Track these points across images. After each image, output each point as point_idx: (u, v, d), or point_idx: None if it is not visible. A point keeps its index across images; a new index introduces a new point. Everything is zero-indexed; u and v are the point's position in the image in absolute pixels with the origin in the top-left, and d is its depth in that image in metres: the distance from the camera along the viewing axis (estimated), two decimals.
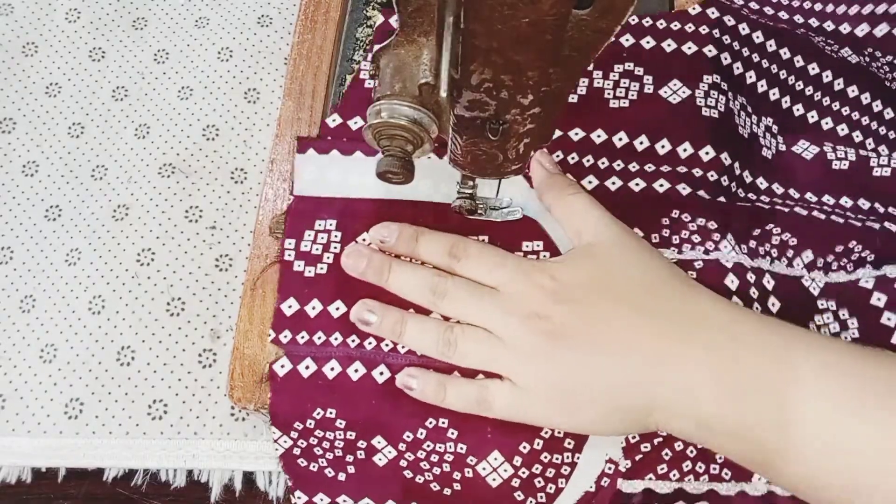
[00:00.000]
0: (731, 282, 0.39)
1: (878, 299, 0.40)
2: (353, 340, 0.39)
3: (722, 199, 0.41)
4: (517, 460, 0.37)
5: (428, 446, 0.37)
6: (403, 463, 0.38)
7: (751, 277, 0.39)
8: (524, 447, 0.37)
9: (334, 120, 0.43)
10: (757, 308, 0.39)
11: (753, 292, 0.39)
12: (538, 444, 0.37)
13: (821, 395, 0.32)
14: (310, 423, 0.38)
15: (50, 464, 0.40)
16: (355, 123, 0.43)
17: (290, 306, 0.39)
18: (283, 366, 0.38)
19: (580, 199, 0.39)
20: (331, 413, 0.38)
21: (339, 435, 0.38)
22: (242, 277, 0.43)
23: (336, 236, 0.40)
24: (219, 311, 0.42)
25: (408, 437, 0.38)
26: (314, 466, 0.38)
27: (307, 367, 0.38)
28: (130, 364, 0.41)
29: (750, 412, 0.32)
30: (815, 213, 0.41)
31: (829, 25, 0.46)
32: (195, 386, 0.41)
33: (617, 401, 0.34)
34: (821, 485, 0.32)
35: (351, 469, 0.38)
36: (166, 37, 0.50)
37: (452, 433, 0.37)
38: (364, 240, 0.40)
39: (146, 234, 0.44)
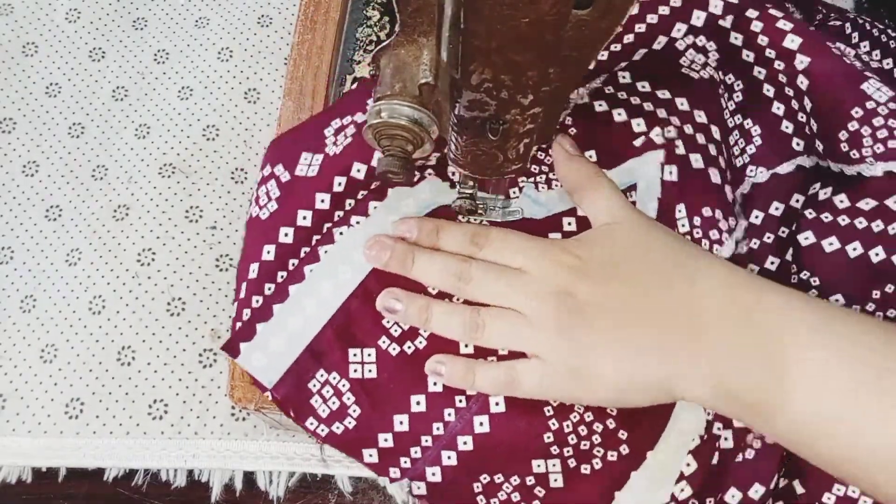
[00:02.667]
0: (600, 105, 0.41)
1: (725, 20, 0.42)
2: (438, 428, 0.38)
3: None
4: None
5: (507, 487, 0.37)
6: None
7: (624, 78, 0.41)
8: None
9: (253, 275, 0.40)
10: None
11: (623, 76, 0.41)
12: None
13: (816, 353, 0.33)
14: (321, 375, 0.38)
15: (50, 464, 0.40)
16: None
17: (371, 455, 0.38)
18: (419, 487, 0.37)
19: (601, 182, 0.39)
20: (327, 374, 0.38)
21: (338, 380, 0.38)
22: None
23: (334, 377, 0.38)
24: (219, 310, 0.42)
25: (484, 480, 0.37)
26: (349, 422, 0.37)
27: (434, 475, 0.37)
28: (131, 364, 0.41)
29: (752, 378, 0.33)
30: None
31: None
32: (195, 386, 0.41)
33: (633, 375, 0.35)
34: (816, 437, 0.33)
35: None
36: (166, 37, 0.50)
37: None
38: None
39: (146, 234, 0.44)
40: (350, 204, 0.41)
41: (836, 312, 0.35)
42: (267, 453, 0.40)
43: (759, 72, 0.41)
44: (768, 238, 0.40)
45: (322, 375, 0.38)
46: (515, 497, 0.37)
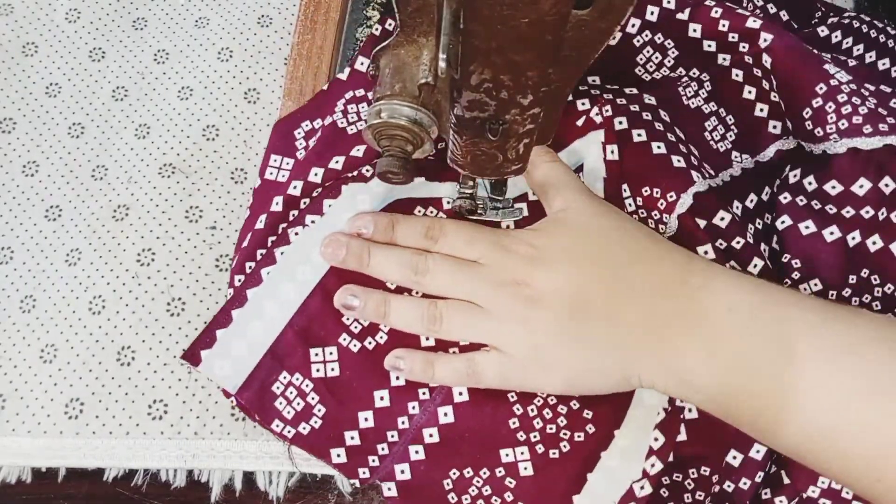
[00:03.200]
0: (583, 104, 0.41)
1: (684, 13, 0.42)
2: (403, 422, 0.38)
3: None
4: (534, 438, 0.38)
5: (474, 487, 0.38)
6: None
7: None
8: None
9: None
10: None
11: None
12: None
13: (815, 351, 0.32)
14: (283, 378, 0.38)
15: (50, 464, 0.40)
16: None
17: (339, 455, 0.38)
18: (389, 488, 0.38)
19: (555, 167, 0.40)
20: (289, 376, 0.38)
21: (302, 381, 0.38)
22: None
23: (297, 378, 0.39)
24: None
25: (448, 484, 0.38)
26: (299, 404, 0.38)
27: (402, 472, 0.38)
28: (130, 364, 0.41)
29: (751, 378, 0.33)
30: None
31: None
32: (195, 386, 0.41)
33: (590, 361, 0.36)
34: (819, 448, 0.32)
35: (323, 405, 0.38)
36: (166, 37, 0.50)
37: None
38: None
39: (146, 234, 0.44)
40: (305, 203, 0.41)
41: (834, 310, 0.34)
42: (267, 453, 0.40)
43: (724, 58, 0.41)
44: (758, 224, 0.40)
45: (285, 377, 0.38)
46: (487, 491, 0.37)
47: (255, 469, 0.40)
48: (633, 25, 0.43)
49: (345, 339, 0.39)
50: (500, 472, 0.37)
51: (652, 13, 0.42)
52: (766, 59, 0.40)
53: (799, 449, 0.33)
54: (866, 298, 0.39)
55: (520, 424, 0.38)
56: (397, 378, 0.38)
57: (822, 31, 0.45)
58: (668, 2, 0.42)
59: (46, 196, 0.45)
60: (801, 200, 0.40)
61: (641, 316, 0.35)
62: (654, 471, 0.36)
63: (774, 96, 0.41)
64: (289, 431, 0.38)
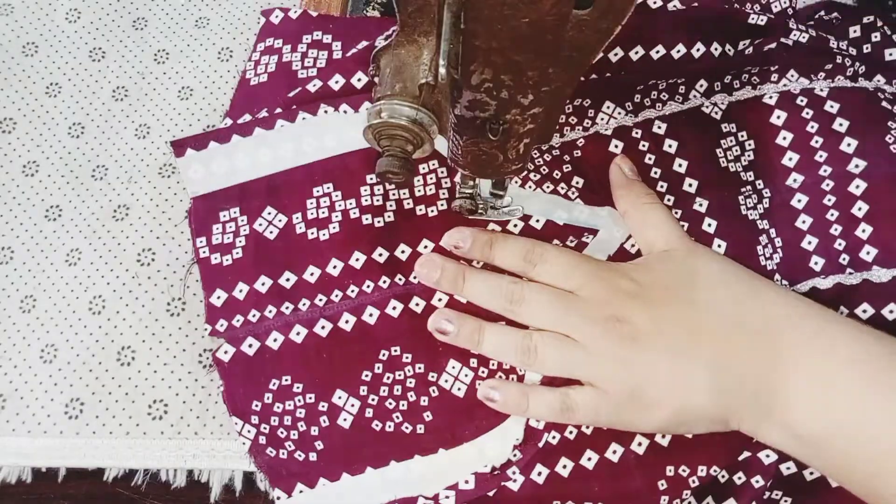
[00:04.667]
0: (616, 146, 0.41)
1: (778, 117, 0.41)
2: (286, 307, 0.40)
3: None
4: (473, 362, 0.38)
5: (388, 378, 0.38)
6: (369, 413, 0.38)
7: (636, 133, 0.41)
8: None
9: (225, 124, 0.44)
10: (651, 158, 0.41)
11: (643, 145, 0.41)
12: None
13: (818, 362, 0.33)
14: (268, 398, 0.38)
15: (50, 464, 0.40)
16: (244, 121, 0.44)
17: (218, 297, 0.40)
18: (226, 352, 0.39)
19: (657, 209, 0.39)
20: (286, 380, 0.38)
21: (300, 401, 0.38)
22: None
23: (242, 220, 0.42)
24: None
25: (366, 376, 0.38)
26: (283, 453, 0.38)
27: (250, 346, 0.39)
28: (130, 364, 0.41)
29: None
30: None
31: None
32: (195, 386, 0.41)
33: (684, 401, 0.35)
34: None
35: (319, 445, 0.38)
36: (166, 37, 0.50)
37: (407, 357, 0.39)
38: (330, 222, 0.41)
39: (146, 234, 0.44)
40: (338, 81, 0.44)
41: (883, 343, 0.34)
42: None
43: (795, 180, 0.40)
44: None
45: (235, 212, 0.42)
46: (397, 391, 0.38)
47: (255, 469, 0.40)
48: (724, 103, 0.42)
49: (297, 218, 0.41)
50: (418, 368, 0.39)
51: (743, 102, 0.41)
52: (859, 185, 0.39)
53: (800, 442, 0.33)
54: None
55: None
56: (334, 267, 0.40)
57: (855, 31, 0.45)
58: (770, 97, 0.41)
59: (46, 196, 0.45)
60: None
61: (746, 362, 0.34)
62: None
63: (835, 229, 0.39)
64: (204, 253, 0.41)
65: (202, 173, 0.42)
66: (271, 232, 0.41)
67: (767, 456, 0.37)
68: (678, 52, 0.42)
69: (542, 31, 0.25)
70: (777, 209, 0.40)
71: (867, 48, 0.43)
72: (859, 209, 0.38)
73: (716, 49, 0.42)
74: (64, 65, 0.49)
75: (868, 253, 0.38)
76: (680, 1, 0.42)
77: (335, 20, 0.47)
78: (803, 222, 0.39)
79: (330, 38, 0.46)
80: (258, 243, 0.41)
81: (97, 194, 0.45)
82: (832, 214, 0.39)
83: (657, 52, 0.42)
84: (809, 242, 0.39)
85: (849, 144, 0.39)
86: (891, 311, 0.37)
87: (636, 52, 0.42)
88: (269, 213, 0.41)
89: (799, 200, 0.40)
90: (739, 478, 0.37)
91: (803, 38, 0.41)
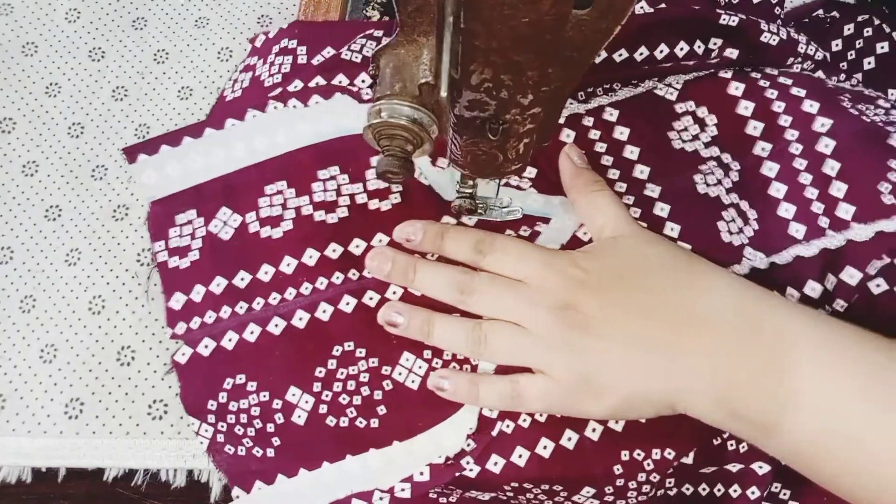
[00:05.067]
0: (567, 136, 0.41)
1: (737, 88, 0.40)
2: (241, 307, 0.40)
3: None
4: (427, 353, 0.38)
5: (341, 374, 0.38)
6: (323, 409, 0.38)
7: (588, 121, 0.41)
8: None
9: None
10: (602, 146, 0.41)
11: (595, 133, 0.41)
12: None
13: (819, 370, 0.32)
14: (222, 397, 0.38)
15: (50, 464, 0.40)
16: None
17: (177, 300, 0.41)
18: (183, 354, 0.40)
19: (605, 195, 0.39)
20: (241, 378, 0.38)
21: (254, 399, 0.38)
22: None
23: (199, 222, 0.42)
24: None
25: (319, 372, 0.38)
26: (241, 450, 0.38)
27: (206, 347, 0.40)
28: (131, 364, 0.41)
29: (755, 396, 0.33)
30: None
31: None
32: None
33: (639, 389, 0.35)
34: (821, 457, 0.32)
35: (276, 441, 0.38)
36: (166, 37, 0.50)
37: (361, 352, 0.38)
38: (286, 218, 0.41)
39: (146, 234, 0.44)
40: (296, 86, 0.44)
41: (842, 330, 0.34)
42: None
43: (763, 148, 0.40)
44: None
45: (191, 215, 0.42)
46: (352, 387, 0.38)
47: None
48: (679, 83, 0.42)
49: (250, 217, 0.42)
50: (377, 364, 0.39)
51: (700, 81, 0.41)
52: (827, 143, 0.38)
53: (801, 452, 0.33)
54: None
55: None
56: (287, 265, 0.40)
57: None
58: (726, 72, 0.41)
59: (46, 196, 0.45)
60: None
61: (692, 346, 0.34)
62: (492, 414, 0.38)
63: (810, 193, 0.38)
64: (162, 256, 0.41)
65: (156, 178, 0.43)
66: (226, 232, 0.41)
67: (760, 467, 0.37)
68: (640, 54, 0.42)
69: (541, 30, 0.25)
70: (748, 180, 0.40)
71: (859, 43, 0.43)
72: (832, 168, 0.38)
73: (681, 49, 0.42)
74: (63, 65, 0.49)
75: (846, 211, 0.37)
76: (647, 3, 0.42)
77: (303, 25, 0.47)
78: (777, 190, 0.39)
79: (295, 43, 0.46)
80: (213, 244, 0.41)
81: (97, 194, 0.45)
82: (805, 178, 0.39)
83: (620, 55, 0.42)
84: (787, 210, 0.39)
85: (811, 105, 0.39)
86: (874, 268, 0.37)
87: (598, 56, 0.42)
88: (224, 214, 0.42)
89: (770, 168, 0.40)
90: (735, 490, 0.37)
91: (773, 40, 0.41)
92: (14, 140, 0.47)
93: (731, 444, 0.38)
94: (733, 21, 0.41)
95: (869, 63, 0.45)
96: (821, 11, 0.46)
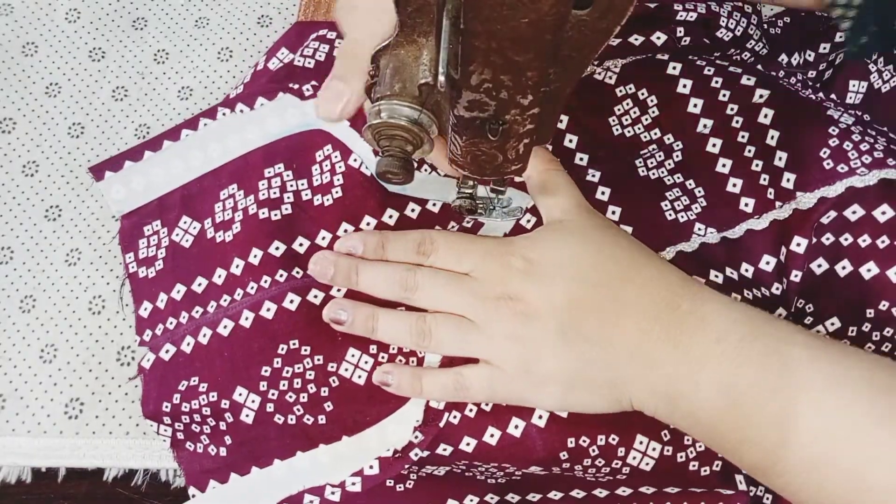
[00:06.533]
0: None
1: (674, 68, 0.41)
2: (196, 311, 0.40)
3: None
4: (373, 348, 0.39)
5: (287, 372, 0.38)
6: (270, 407, 0.38)
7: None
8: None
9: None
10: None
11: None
12: None
13: (814, 391, 0.32)
14: (176, 399, 0.39)
15: (50, 464, 0.40)
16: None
17: (145, 309, 0.41)
18: (148, 360, 0.40)
19: (558, 175, 0.39)
20: (193, 381, 0.39)
21: (203, 400, 0.38)
22: None
23: (163, 232, 0.43)
24: None
25: (265, 371, 0.38)
26: (199, 447, 0.39)
27: (167, 352, 0.40)
28: (130, 364, 0.41)
29: (751, 409, 0.32)
30: None
31: None
32: None
33: (582, 381, 0.35)
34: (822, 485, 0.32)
35: (228, 440, 0.38)
36: (166, 37, 0.50)
37: (306, 349, 0.39)
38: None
39: None
40: (239, 90, 0.46)
41: (767, 323, 0.34)
42: None
43: (705, 125, 0.40)
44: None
45: (157, 226, 0.43)
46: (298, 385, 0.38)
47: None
48: (617, 66, 0.42)
49: (207, 223, 0.42)
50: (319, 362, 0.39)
51: (639, 63, 0.41)
52: (766, 113, 0.39)
53: (792, 483, 0.32)
54: (888, 332, 0.37)
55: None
56: (237, 266, 0.41)
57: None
58: (663, 54, 0.41)
59: (46, 196, 0.45)
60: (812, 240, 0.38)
61: (631, 338, 0.34)
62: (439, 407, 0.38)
63: (756, 165, 0.39)
64: (132, 268, 0.42)
65: (124, 193, 0.44)
66: (187, 240, 0.42)
67: (741, 482, 0.37)
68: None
69: (541, 31, 0.25)
70: (692, 158, 0.40)
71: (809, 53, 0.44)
72: (772, 138, 0.38)
73: (636, 39, 0.42)
74: (64, 65, 0.49)
75: (788, 180, 0.38)
76: None
77: (285, 35, 0.48)
78: (723, 165, 0.39)
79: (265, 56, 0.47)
80: (175, 253, 0.42)
81: (97, 194, 0.45)
82: (749, 151, 0.39)
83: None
84: (734, 185, 0.39)
85: (748, 79, 0.40)
86: (853, 213, 0.37)
87: None
88: (185, 223, 0.42)
89: (714, 145, 0.40)
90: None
91: (727, 36, 0.42)
92: (14, 140, 0.47)
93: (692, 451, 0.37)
94: (691, 17, 0.41)
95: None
96: (787, 19, 0.46)
